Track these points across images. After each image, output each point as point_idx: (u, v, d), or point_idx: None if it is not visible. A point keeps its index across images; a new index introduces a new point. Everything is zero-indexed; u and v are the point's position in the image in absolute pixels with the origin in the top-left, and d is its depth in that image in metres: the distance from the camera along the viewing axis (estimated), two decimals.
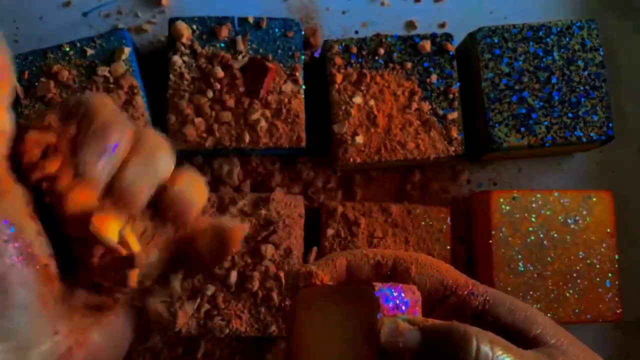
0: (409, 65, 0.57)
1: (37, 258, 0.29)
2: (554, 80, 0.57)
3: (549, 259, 0.55)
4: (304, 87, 0.56)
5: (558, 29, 0.57)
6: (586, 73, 0.57)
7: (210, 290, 0.52)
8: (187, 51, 0.56)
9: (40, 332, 0.29)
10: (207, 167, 0.58)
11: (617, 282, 0.55)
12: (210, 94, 0.55)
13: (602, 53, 0.57)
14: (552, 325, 0.32)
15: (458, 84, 0.57)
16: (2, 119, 0.29)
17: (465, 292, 0.32)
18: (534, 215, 0.56)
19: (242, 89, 0.55)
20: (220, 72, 0.55)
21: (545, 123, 0.56)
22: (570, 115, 0.56)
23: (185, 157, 0.58)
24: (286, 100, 0.55)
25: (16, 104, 0.54)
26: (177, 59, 0.56)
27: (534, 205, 0.56)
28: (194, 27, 0.56)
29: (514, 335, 0.31)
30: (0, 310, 0.27)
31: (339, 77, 0.56)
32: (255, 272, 0.52)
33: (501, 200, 0.55)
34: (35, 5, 0.62)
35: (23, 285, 0.28)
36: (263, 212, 0.53)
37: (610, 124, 0.57)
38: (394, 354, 0.27)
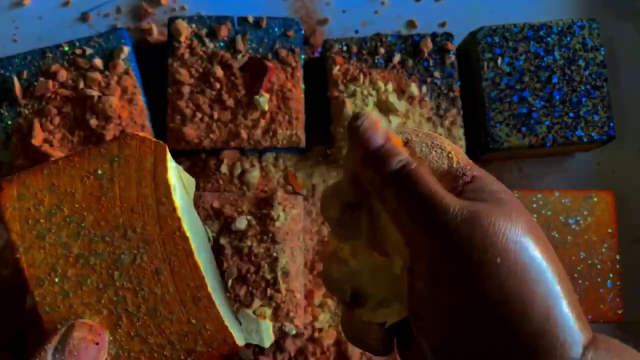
0: (409, 64, 0.57)
1: None
2: (554, 80, 0.57)
3: None
4: (304, 87, 0.56)
5: (559, 28, 0.57)
6: (587, 73, 0.57)
7: None
8: (187, 50, 0.56)
9: None
10: (207, 167, 0.58)
11: (618, 283, 0.55)
12: (209, 93, 0.55)
13: (603, 53, 0.57)
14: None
15: (459, 83, 0.57)
16: None
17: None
18: (534, 216, 0.55)
19: (241, 89, 0.55)
20: (219, 72, 0.55)
21: (546, 123, 0.56)
22: (571, 115, 0.56)
23: (185, 156, 0.58)
24: (286, 100, 0.55)
25: (15, 104, 0.54)
26: (176, 58, 0.55)
27: (534, 206, 0.55)
28: (194, 26, 0.56)
29: None
30: None
31: (339, 77, 0.56)
32: (259, 273, 0.52)
33: None
34: (34, 5, 0.61)
35: None
36: (264, 212, 0.53)
37: (612, 124, 0.56)
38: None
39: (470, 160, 0.32)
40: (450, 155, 0.32)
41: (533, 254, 0.26)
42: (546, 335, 0.25)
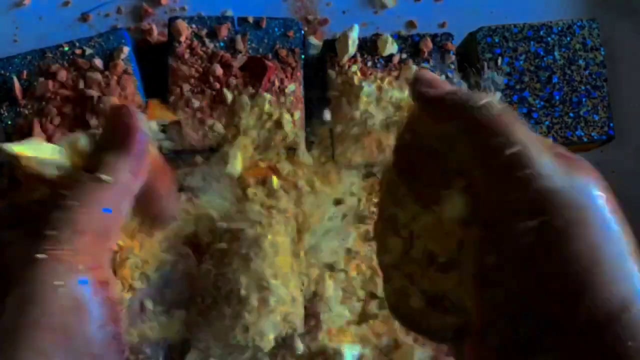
0: (409, 64, 0.57)
1: None
2: (554, 80, 0.57)
3: None
4: (303, 86, 0.56)
5: (559, 28, 0.57)
6: (587, 73, 0.57)
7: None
8: (187, 50, 0.56)
9: None
10: (207, 167, 0.58)
11: None
12: (210, 93, 0.55)
13: (603, 53, 0.57)
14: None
15: (458, 83, 0.57)
16: None
17: None
18: None
19: (241, 89, 0.55)
20: (219, 72, 0.55)
21: (546, 123, 0.56)
22: (571, 115, 0.56)
23: (185, 157, 0.58)
24: (286, 100, 0.55)
25: (15, 104, 0.54)
26: (176, 58, 0.55)
27: None
28: (194, 26, 0.56)
29: None
30: None
31: (338, 77, 0.56)
32: (258, 274, 0.52)
33: None
34: (34, 5, 0.61)
35: None
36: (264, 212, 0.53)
37: (611, 124, 0.57)
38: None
39: None
40: None
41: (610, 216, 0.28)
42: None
